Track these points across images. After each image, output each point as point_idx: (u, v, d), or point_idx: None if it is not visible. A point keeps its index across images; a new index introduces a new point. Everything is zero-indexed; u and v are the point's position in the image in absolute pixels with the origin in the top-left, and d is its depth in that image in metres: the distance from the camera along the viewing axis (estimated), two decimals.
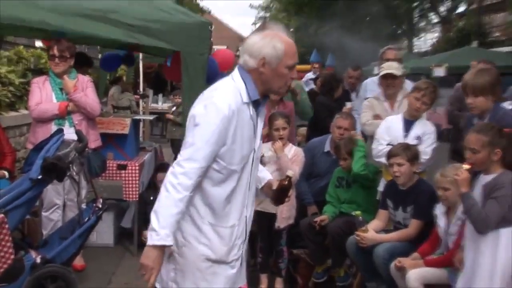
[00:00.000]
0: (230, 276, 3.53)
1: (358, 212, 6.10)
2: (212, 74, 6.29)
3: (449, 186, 5.00)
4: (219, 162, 3.31)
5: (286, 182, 3.70)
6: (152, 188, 7.62)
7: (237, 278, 3.65)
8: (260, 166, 3.88)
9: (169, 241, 3.21)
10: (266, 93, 3.50)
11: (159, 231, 3.17)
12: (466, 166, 4.37)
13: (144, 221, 7.00)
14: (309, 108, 7.73)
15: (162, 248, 3.24)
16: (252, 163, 3.51)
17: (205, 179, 3.33)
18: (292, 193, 3.89)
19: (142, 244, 7.00)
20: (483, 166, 4.40)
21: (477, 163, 4.38)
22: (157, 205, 3.23)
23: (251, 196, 3.61)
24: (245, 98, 3.33)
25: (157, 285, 3.49)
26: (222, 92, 3.33)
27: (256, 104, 3.41)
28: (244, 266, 3.79)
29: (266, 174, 3.91)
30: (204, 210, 3.38)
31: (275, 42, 3.28)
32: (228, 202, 3.42)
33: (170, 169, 3.29)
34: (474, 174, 4.50)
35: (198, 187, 3.31)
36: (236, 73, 3.43)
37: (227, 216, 3.43)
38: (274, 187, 3.76)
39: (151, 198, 7.34)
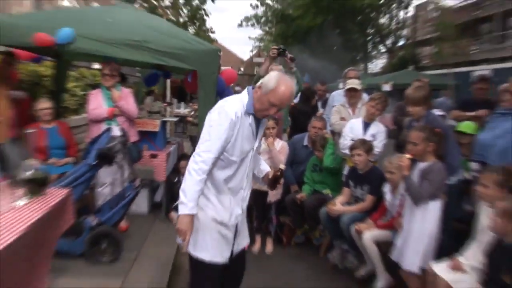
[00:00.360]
0: (227, 236, 3.59)
1: (327, 191, 6.14)
2: (221, 88, 6.32)
3: (394, 170, 5.04)
4: (223, 153, 3.42)
5: (279, 173, 3.77)
6: (176, 172, 7.61)
7: (237, 239, 3.71)
8: (263, 161, 3.99)
9: (194, 211, 3.36)
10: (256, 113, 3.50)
11: (187, 203, 3.32)
12: (408, 156, 4.40)
13: (170, 197, 7.12)
14: (299, 81, 7.58)
15: (191, 216, 3.35)
16: (251, 158, 3.59)
17: (217, 164, 3.45)
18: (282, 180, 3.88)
19: (168, 214, 7.05)
20: (420, 156, 4.44)
21: (417, 153, 4.42)
22: (184, 185, 3.35)
23: (248, 181, 3.69)
24: (245, 108, 3.42)
25: (177, 238, 3.52)
26: (232, 103, 3.41)
27: (256, 116, 3.48)
28: (245, 232, 3.85)
29: (266, 167, 3.94)
30: (210, 186, 3.50)
31: (274, 80, 3.32)
32: (227, 182, 3.53)
33: (192, 158, 3.37)
34: (412, 162, 4.54)
35: (212, 170, 3.44)
36: (246, 90, 3.52)
37: (226, 191, 3.55)
38: (270, 176, 3.82)
39: (175, 180, 7.36)
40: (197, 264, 3.57)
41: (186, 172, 3.37)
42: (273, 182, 3.80)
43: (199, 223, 3.50)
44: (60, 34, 5.32)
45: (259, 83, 3.40)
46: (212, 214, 3.52)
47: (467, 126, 5.92)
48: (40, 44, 5.34)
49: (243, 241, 3.82)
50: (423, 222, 4.37)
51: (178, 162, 7.83)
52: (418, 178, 4.42)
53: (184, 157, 7.82)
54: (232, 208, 3.59)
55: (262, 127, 3.65)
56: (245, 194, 3.71)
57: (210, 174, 3.44)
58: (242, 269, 3.93)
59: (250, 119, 3.46)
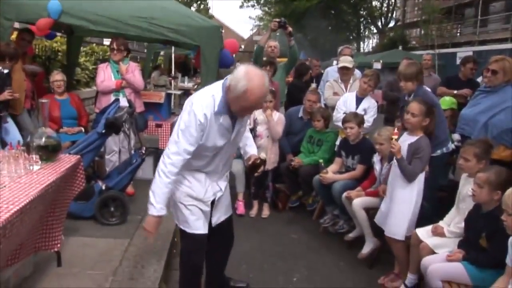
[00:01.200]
0: (205, 211, 3.51)
1: (321, 160, 6.11)
2: (229, 61, 6.47)
3: (383, 142, 4.99)
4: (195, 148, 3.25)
5: (258, 161, 3.56)
6: None
7: (215, 213, 3.62)
8: (252, 143, 3.81)
9: (163, 212, 3.27)
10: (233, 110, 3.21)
11: (155, 205, 3.23)
12: (395, 137, 4.34)
13: None
14: (297, 55, 7.67)
15: (159, 218, 3.29)
16: (227, 147, 3.40)
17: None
18: (263, 167, 3.66)
19: None
20: (414, 127, 4.37)
21: (412, 123, 4.34)
22: (153, 186, 3.24)
23: (227, 164, 3.60)
24: (216, 109, 3.15)
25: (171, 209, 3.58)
26: (202, 102, 3.16)
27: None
28: (225, 208, 3.73)
29: (251, 150, 3.74)
30: (187, 164, 3.29)
31: (242, 82, 2.97)
32: (201, 168, 3.44)
33: (161, 159, 3.23)
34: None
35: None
36: (220, 84, 3.22)
37: (199, 167, 3.43)
38: (250, 162, 3.63)
39: None
40: (183, 235, 3.56)
41: (156, 173, 3.25)
42: (251, 168, 3.65)
43: (176, 199, 3.46)
44: (51, 11, 5.30)
45: (228, 82, 3.08)
46: (187, 190, 3.44)
47: (444, 102, 6.05)
48: (42, 29, 5.39)
49: (222, 216, 3.71)
50: (407, 191, 4.34)
51: None
52: (407, 153, 4.35)
53: None
54: (207, 185, 3.50)
55: (240, 120, 3.37)
56: (223, 174, 3.62)
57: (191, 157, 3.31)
58: (229, 238, 3.91)
59: (221, 119, 3.20)
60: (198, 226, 3.49)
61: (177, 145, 3.18)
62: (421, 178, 4.34)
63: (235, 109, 3.15)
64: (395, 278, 4.56)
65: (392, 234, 4.39)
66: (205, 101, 3.17)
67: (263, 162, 3.60)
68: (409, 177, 4.28)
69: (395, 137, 4.34)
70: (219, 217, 3.68)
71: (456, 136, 5.48)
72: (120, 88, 6.19)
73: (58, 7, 5.40)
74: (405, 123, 4.41)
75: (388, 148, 4.78)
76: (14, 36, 6.24)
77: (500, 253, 3.24)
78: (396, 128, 4.54)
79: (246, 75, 2.98)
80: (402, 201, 4.34)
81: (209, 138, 3.24)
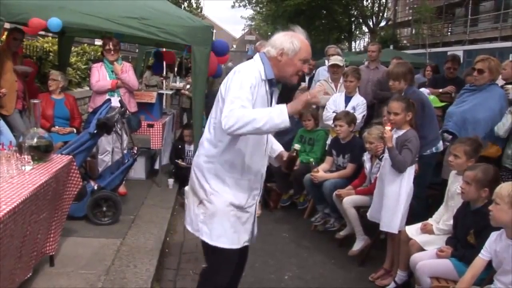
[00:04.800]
0: (245, 220, 3.18)
1: (311, 159, 6.16)
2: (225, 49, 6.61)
3: (373, 141, 5.06)
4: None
5: (294, 154, 3.26)
6: (180, 140, 7.73)
7: (251, 222, 3.28)
8: (275, 140, 3.43)
9: (284, 107, 2.79)
10: (280, 79, 3.08)
11: (282, 112, 2.75)
12: (388, 128, 4.40)
13: (176, 156, 7.37)
14: None
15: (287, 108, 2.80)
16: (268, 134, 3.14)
17: (232, 141, 2.99)
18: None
19: (164, 178, 7.09)
20: (400, 124, 4.45)
21: (397, 122, 4.43)
22: (258, 124, 2.70)
23: (266, 159, 3.25)
24: (263, 76, 2.98)
25: (188, 227, 3.22)
26: (248, 69, 2.97)
27: (271, 84, 3.05)
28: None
29: (279, 147, 3.41)
30: (228, 167, 3.02)
31: (294, 40, 2.96)
32: (247, 161, 3.05)
33: (226, 121, 2.73)
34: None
35: (225, 150, 3.01)
36: (257, 57, 3.07)
37: (244, 171, 3.07)
38: (285, 158, 3.29)
39: (179, 146, 7.51)
40: (214, 251, 3.12)
41: (242, 128, 2.71)
42: (289, 163, 3.28)
43: (215, 209, 3.06)
44: (51, 23, 5.33)
45: (275, 50, 2.98)
46: (229, 198, 3.06)
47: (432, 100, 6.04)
48: (34, 29, 5.42)
49: (255, 229, 3.37)
50: (397, 185, 4.40)
51: (182, 130, 7.89)
52: (396, 146, 4.42)
53: (188, 126, 7.94)
54: (251, 188, 3.16)
55: (275, 97, 3.17)
56: (264, 172, 3.26)
57: (227, 153, 3.01)
58: (245, 258, 3.54)
59: (266, 86, 3.03)
60: (234, 240, 3.13)
61: (239, 100, 2.78)
62: (410, 171, 4.40)
63: (292, 71, 3.01)
64: (385, 275, 4.62)
65: (386, 228, 4.45)
66: (250, 68, 3.01)
67: (298, 153, 3.33)
68: (400, 167, 4.34)
69: (388, 128, 4.41)
70: (256, 228, 3.38)
71: (445, 136, 5.55)
72: (116, 87, 6.22)
73: (59, 23, 5.43)
74: (390, 124, 4.48)
75: (378, 147, 4.86)
76: (4, 36, 6.23)
77: None
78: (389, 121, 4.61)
79: (289, 34, 3.01)
80: (392, 195, 4.40)
81: (256, 105, 2.92)
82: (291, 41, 2.97)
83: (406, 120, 4.41)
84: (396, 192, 4.37)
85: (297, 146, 3.34)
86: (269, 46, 3.04)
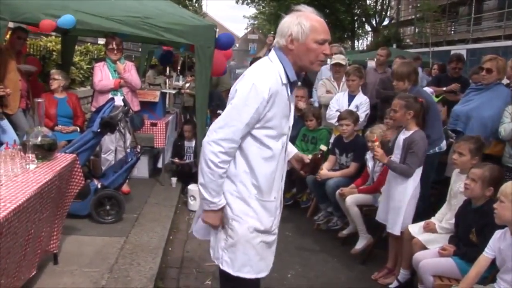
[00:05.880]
0: (271, 242, 2.82)
1: (323, 147, 6.15)
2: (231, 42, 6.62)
3: (375, 139, 5.05)
4: (268, 139, 2.60)
5: (319, 156, 2.99)
6: (181, 137, 7.76)
7: (274, 244, 2.90)
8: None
9: (222, 203, 2.61)
10: (300, 71, 2.68)
11: (212, 200, 2.57)
12: (376, 143, 4.46)
13: (175, 154, 7.41)
14: None
15: (219, 211, 2.63)
16: (286, 141, 2.76)
17: (256, 157, 2.60)
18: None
19: (168, 177, 7.10)
20: (400, 123, 4.48)
21: (396, 118, 4.45)
22: (204, 180, 2.55)
23: (284, 170, 2.84)
24: (284, 80, 2.57)
25: (211, 251, 2.83)
26: (264, 74, 2.54)
27: (291, 85, 2.65)
28: None
29: (293, 148, 3.06)
30: (252, 188, 2.63)
31: (301, 20, 2.50)
32: (273, 178, 2.67)
33: (209, 146, 2.51)
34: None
35: (248, 167, 2.62)
36: (273, 55, 2.63)
37: (271, 190, 2.69)
38: (307, 160, 3.01)
39: (179, 143, 7.53)
40: (236, 281, 2.74)
41: (203, 164, 2.54)
42: (313, 166, 3.01)
43: (238, 237, 2.67)
44: (61, 20, 5.36)
45: (283, 39, 2.57)
46: (253, 223, 2.67)
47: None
48: (45, 30, 5.48)
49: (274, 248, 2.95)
50: (402, 187, 4.39)
51: (182, 127, 7.91)
52: (402, 148, 4.42)
53: (188, 122, 7.95)
54: (276, 208, 2.80)
55: (293, 99, 2.77)
56: (282, 186, 2.87)
57: (252, 172, 2.62)
58: None
59: (288, 91, 2.63)
60: (261, 267, 2.78)
61: (230, 129, 2.49)
62: (417, 173, 4.39)
63: (312, 57, 2.57)
64: (388, 274, 4.63)
65: (391, 230, 4.45)
66: (267, 74, 2.56)
67: (323, 155, 3.06)
68: (404, 174, 4.33)
69: (376, 143, 4.43)
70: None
71: (450, 133, 5.58)
72: (118, 87, 6.25)
73: (71, 22, 5.44)
74: (375, 140, 4.53)
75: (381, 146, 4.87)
76: (7, 35, 6.25)
77: None
78: (375, 135, 4.67)
79: (295, 15, 2.57)
80: (398, 197, 4.40)
81: (276, 120, 2.57)
82: (298, 22, 2.53)
83: (408, 119, 4.39)
84: (401, 194, 4.36)
85: (323, 147, 3.13)
86: (277, 37, 2.63)
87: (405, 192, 4.36)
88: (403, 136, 4.42)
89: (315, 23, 2.54)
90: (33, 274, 3.52)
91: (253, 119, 2.50)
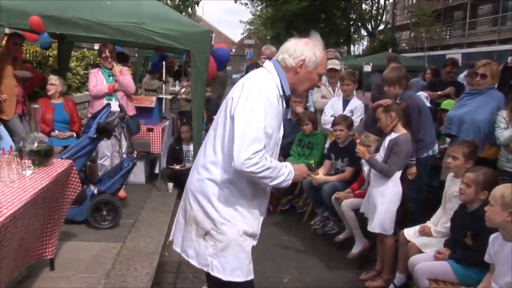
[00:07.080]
0: (253, 246, 2.86)
1: (311, 161, 6.16)
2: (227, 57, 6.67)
3: (370, 144, 5.07)
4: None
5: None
6: (178, 139, 7.83)
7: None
8: None
9: (290, 167, 2.71)
10: (291, 92, 2.78)
11: (287, 175, 2.64)
12: (357, 141, 4.56)
13: (173, 159, 7.44)
14: None
15: (292, 170, 2.70)
16: (277, 150, 2.85)
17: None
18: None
19: (164, 182, 7.11)
20: (386, 127, 4.59)
21: (382, 125, 4.62)
22: (273, 181, 2.60)
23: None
24: (281, 91, 2.67)
25: (191, 261, 2.83)
26: (269, 84, 2.63)
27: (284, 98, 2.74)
28: None
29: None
30: (238, 193, 2.69)
31: (316, 50, 2.65)
32: (257, 185, 2.71)
33: (247, 168, 2.48)
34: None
35: (235, 172, 2.61)
36: (271, 67, 2.71)
37: (257, 195, 2.78)
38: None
39: (177, 147, 7.57)
40: (228, 286, 2.76)
41: (259, 180, 2.59)
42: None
43: (228, 240, 2.70)
44: (40, 40, 5.64)
45: (294, 60, 2.66)
46: (242, 226, 2.73)
47: (448, 104, 6.14)
48: (34, 27, 5.40)
49: None
50: (382, 189, 4.47)
51: (178, 131, 7.96)
52: (386, 149, 4.50)
53: (185, 123, 7.97)
54: (261, 213, 2.89)
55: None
56: (269, 193, 2.97)
57: (240, 177, 2.64)
58: None
59: (283, 103, 2.72)
60: (250, 270, 2.83)
61: (254, 141, 2.49)
62: (397, 175, 4.45)
63: (309, 85, 2.76)
64: (376, 277, 4.66)
65: (371, 228, 4.53)
66: (270, 83, 2.65)
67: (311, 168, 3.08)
68: (385, 173, 4.43)
69: (358, 141, 4.49)
70: None
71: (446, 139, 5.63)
72: (113, 91, 6.28)
73: (48, 40, 5.66)
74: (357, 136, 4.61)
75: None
76: (4, 41, 6.25)
77: (484, 252, 3.31)
78: (356, 133, 4.73)
79: (311, 43, 2.70)
80: (376, 197, 4.48)
81: (275, 128, 2.69)
82: (313, 51, 2.66)
83: (392, 120, 4.50)
84: (380, 194, 4.44)
85: (312, 162, 3.26)
86: (285, 54, 2.71)
87: (384, 193, 4.44)
88: (389, 137, 4.49)
89: (324, 57, 2.72)
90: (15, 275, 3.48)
91: (262, 123, 2.54)
